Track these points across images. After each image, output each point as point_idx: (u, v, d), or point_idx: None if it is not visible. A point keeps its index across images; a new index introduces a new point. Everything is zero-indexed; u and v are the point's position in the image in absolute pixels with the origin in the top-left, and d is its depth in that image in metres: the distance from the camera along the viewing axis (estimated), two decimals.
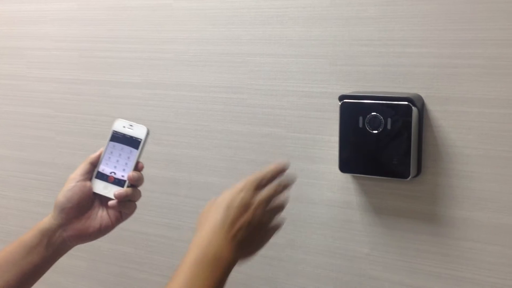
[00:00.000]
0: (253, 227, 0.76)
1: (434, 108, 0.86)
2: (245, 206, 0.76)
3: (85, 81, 1.17)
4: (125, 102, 1.13)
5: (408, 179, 0.85)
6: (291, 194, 0.98)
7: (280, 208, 0.81)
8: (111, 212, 0.85)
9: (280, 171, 0.81)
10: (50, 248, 0.82)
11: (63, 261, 0.91)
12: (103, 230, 0.85)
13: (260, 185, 0.79)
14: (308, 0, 0.92)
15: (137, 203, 0.88)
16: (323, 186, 0.96)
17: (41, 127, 1.25)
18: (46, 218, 0.84)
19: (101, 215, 0.85)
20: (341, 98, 0.88)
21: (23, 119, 1.27)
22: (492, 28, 0.81)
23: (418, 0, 0.85)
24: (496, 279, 0.86)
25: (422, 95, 0.86)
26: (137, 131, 0.85)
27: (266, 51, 0.97)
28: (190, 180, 1.09)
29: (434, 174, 0.87)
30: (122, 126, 0.85)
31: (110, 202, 0.83)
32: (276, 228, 0.81)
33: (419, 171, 0.87)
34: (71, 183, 0.83)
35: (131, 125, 0.85)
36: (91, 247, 1.23)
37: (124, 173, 0.84)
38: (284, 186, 0.81)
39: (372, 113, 0.86)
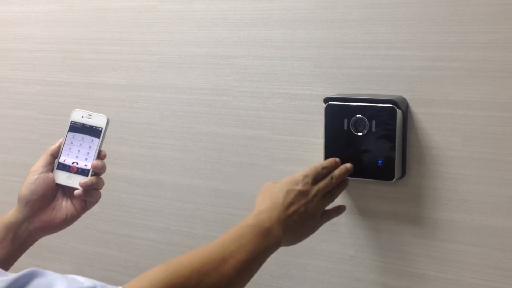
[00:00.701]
0: (307, 214, 0.80)
1: (418, 111, 0.86)
2: (305, 193, 0.79)
3: (69, 83, 1.16)
4: (109, 104, 1.12)
5: (393, 181, 0.86)
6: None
7: (330, 200, 0.84)
8: (76, 201, 0.85)
9: (334, 166, 0.85)
10: (16, 241, 0.82)
11: (47, 265, 0.90)
12: (69, 220, 0.85)
13: (319, 176, 0.82)
14: (293, 3, 0.93)
15: (122, 206, 0.87)
16: None
17: (25, 129, 1.24)
18: (10, 212, 0.83)
19: (66, 206, 0.85)
20: (326, 100, 0.88)
21: (6, 121, 1.26)
22: (475, 31, 0.81)
23: (402, 3, 0.85)
24: (480, 280, 0.86)
25: (406, 97, 0.86)
26: (97, 120, 0.85)
27: (251, 53, 0.97)
28: (175, 183, 1.08)
29: (418, 176, 0.88)
30: (80, 116, 0.86)
31: (76, 192, 0.83)
32: (324, 220, 0.84)
33: (403, 173, 0.88)
34: (33, 176, 0.83)
35: (89, 115, 0.86)
36: (75, 251, 1.22)
37: (87, 162, 0.84)
38: (337, 179, 0.84)
39: (357, 115, 0.86)
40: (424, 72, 0.85)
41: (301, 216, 0.79)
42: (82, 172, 0.84)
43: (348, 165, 0.85)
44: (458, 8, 0.82)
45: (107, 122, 0.85)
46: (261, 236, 0.74)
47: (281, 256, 1.00)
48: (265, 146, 0.99)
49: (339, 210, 0.87)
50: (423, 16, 0.84)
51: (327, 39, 0.91)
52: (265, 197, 0.80)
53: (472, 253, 0.86)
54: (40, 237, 0.85)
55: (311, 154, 0.95)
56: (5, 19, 1.21)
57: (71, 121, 0.86)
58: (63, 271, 1.28)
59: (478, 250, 0.86)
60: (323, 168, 0.83)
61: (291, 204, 0.78)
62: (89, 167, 0.84)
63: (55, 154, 0.85)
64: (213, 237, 1.04)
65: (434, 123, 0.85)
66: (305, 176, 0.81)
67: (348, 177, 0.89)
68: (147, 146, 1.10)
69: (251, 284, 1.03)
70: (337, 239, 0.95)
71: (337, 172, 0.84)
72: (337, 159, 0.86)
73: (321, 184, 0.82)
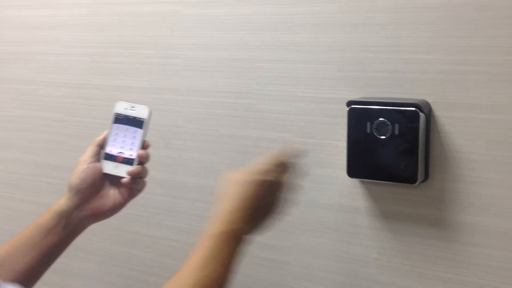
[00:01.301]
0: (266, 201, 0.79)
1: (441, 114, 0.86)
2: (261, 183, 0.78)
3: (95, 85, 1.19)
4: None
5: (416, 184, 0.86)
6: (299, 198, 0.99)
7: (289, 184, 0.83)
8: (122, 190, 0.88)
9: (289, 154, 0.85)
10: (68, 228, 0.85)
11: (73, 264, 0.92)
12: (116, 208, 0.88)
13: (276, 164, 0.82)
14: (316, 7, 0.93)
15: (147, 206, 0.89)
16: (331, 191, 0.97)
17: (52, 131, 1.26)
18: (62, 201, 0.87)
19: (113, 194, 0.88)
20: (349, 103, 0.89)
21: (34, 123, 1.28)
22: (499, 35, 0.81)
23: (425, 7, 0.85)
24: (502, 284, 0.86)
25: (429, 101, 0.87)
26: (140, 111, 0.88)
27: (275, 57, 0.98)
28: (199, 184, 1.10)
29: (441, 180, 0.88)
30: (123, 108, 0.88)
31: (124, 180, 0.86)
32: (283, 202, 0.83)
33: (426, 176, 0.88)
34: (83, 165, 0.87)
35: (132, 107, 0.88)
36: (101, 250, 1.24)
37: (132, 152, 0.87)
38: (291, 164, 0.83)
39: (380, 119, 0.86)
40: (447, 75, 0.85)
41: (261, 203, 0.78)
42: (128, 161, 0.87)
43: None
44: (482, 12, 0.82)
45: (150, 113, 0.88)
46: (232, 239, 0.74)
47: (303, 258, 1.01)
48: None
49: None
50: (447, 20, 0.84)
51: (350, 43, 0.92)
52: (227, 193, 0.78)
53: (495, 256, 0.86)
54: (89, 224, 0.89)
55: (333, 157, 0.95)
56: (34, 23, 1.24)
57: (115, 113, 0.88)
58: (89, 270, 1.31)
59: (501, 253, 0.86)
60: (280, 154, 0.83)
61: (250, 197, 0.77)
62: (134, 156, 0.87)
63: (101, 145, 0.88)
64: None
65: (457, 127, 0.86)
66: (262, 164, 0.80)
67: (372, 180, 0.90)
68: (172, 148, 1.12)
69: (274, 284, 1.05)
70: (360, 242, 0.96)
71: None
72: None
73: (278, 170, 0.81)
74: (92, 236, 1.22)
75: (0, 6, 1.28)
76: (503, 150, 0.83)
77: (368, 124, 0.88)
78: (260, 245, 1.05)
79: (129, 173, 0.86)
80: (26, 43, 1.25)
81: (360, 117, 0.88)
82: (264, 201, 0.78)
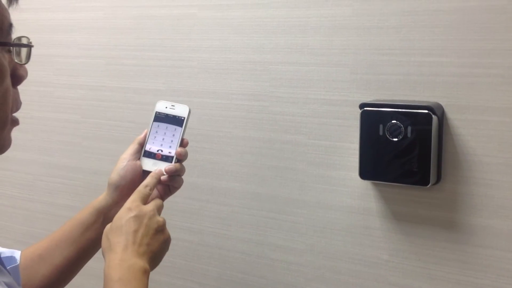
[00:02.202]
0: (152, 234, 0.80)
1: (454, 117, 0.87)
2: (140, 215, 0.80)
3: (111, 88, 1.20)
4: (149, 108, 1.14)
5: (428, 186, 0.86)
6: (312, 200, 1.00)
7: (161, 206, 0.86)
8: (160, 187, 0.89)
9: (156, 181, 0.86)
10: (107, 224, 0.87)
11: (87, 264, 0.93)
12: None
13: (145, 197, 0.83)
14: (330, 10, 0.94)
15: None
16: (343, 193, 0.97)
17: (68, 132, 1.28)
18: (101, 197, 0.89)
19: None
20: (362, 106, 0.90)
21: (50, 125, 1.30)
22: None
23: (439, 10, 0.86)
24: None
25: (442, 103, 0.87)
26: (179, 110, 0.90)
27: (288, 59, 0.99)
28: (212, 186, 1.11)
29: (453, 182, 0.88)
30: (164, 107, 0.90)
31: (162, 177, 0.88)
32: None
33: (438, 178, 0.88)
34: (123, 163, 0.89)
35: (173, 105, 0.90)
36: None
37: (171, 150, 0.89)
38: (152, 187, 0.85)
39: (393, 121, 0.87)
40: (460, 78, 0.86)
41: (150, 238, 0.79)
42: (167, 159, 0.89)
43: (161, 169, 0.87)
44: (495, 15, 0.83)
45: (189, 112, 0.90)
46: (140, 281, 0.74)
47: (315, 259, 1.02)
48: (300, 151, 1.00)
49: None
50: (460, 23, 0.85)
51: (363, 45, 0.92)
52: (113, 243, 0.78)
53: (507, 259, 0.86)
54: None
55: (346, 159, 0.96)
56: (51, 26, 1.26)
57: (156, 112, 0.90)
58: (101, 270, 1.32)
59: None
60: (146, 186, 0.84)
61: (136, 232, 0.78)
62: (172, 154, 0.89)
63: (142, 143, 0.90)
64: (248, 239, 1.07)
65: (470, 129, 0.86)
66: (133, 201, 0.81)
67: (384, 182, 0.90)
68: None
69: (286, 285, 1.05)
70: (371, 243, 0.96)
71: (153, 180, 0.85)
72: (158, 172, 0.87)
73: (151, 202, 0.83)
74: None
75: (18, 9, 1.30)
76: None
77: (381, 126, 0.88)
78: (272, 246, 1.06)
79: (167, 171, 0.88)
80: (43, 46, 1.27)
81: (373, 120, 0.89)
82: (138, 222, 0.79)
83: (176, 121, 0.90)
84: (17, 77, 0.67)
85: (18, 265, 0.86)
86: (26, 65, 0.69)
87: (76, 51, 1.24)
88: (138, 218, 0.80)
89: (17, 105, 0.69)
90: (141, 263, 0.76)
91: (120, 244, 0.77)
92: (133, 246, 0.77)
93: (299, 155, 1.01)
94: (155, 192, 0.91)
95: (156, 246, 0.80)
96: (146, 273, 0.76)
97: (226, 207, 1.10)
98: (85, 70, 1.23)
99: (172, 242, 1.19)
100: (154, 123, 0.90)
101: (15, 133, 0.70)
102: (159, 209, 0.84)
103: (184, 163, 0.91)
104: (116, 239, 0.78)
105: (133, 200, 0.82)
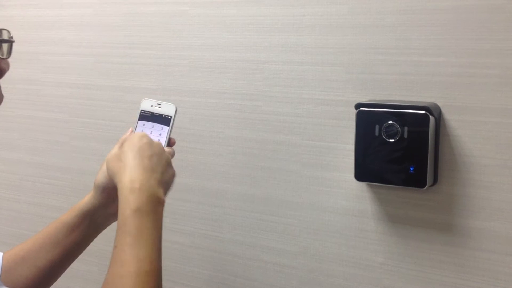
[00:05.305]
0: (165, 164, 0.79)
1: (451, 118, 0.85)
2: (152, 148, 0.78)
3: (100, 86, 1.18)
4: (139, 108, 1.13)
5: (424, 188, 0.85)
6: (305, 201, 0.98)
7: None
8: None
9: None
10: (92, 226, 0.86)
11: (74, 266, 0.91)
12: None
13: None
14: (325, 8, 0.93)
15: None
16: (337, 194, 0.96)
17: (56, 131, 1.25)
18: (86, 199, 0.87)
19: None
20: (358, 106, 0.88)
21: (37, 124, 1.28)
22: (510, 38, 0.80)
23: (436, 9, 0.85)
24: None
25: (439, 104, 0.86)
26: (166, 109, 0.88)
27: (282, 58, 0.97)
28: (204, 187, 1.09)
29: (450, 184, 0.87)
30: (150, 105, 0.88)
31: None
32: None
33: (435, 180, 0.87)
34: None
35: (159, 104, 0.88)
36: (103, 252, 1.23)
37: None
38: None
39: (389, 122, 0.85)
40: (457, 78, 0.84)
41: (165, 167, 0.78)
42: None
43: None
44: (493, 14, 0.81)
45: (176, 111, 0.88)
46: (158, 210, 0.72)
47: (309, 262, 1.00)
48: (294, 152, 0.99)
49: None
50: (457, 22, 0.83)
51: (358, 44, 0.91)
52: (125, 162, 0.76)
53: (505, 262, 0.85)
54: (113, 222, 0.88)
55: (341, 160, 0.94)
56: (38, 22, 1.23)
57: (141, 110, 0.88)
58: (90, 273, 1.30)
59: (510, 259, 0.84)
60: None
61: (151, 157, 0.76)
62: None
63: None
64: (240, 241, 1.05)
65: (467, 131, 0.85)
66: (140, 131, 0.83)
67: (380, 184, 0.89)
68: (176, 149, 1.10)
69: None
70: (366, 246, 0.95)
71: None
72: None
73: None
74: (94, 239, 1.21)
75: (5, 5, 1.27)
76: None
77: (377, 127, 0.87)
78: (265, 248, 1.04)
79: None
80: (30, 43, 1.25)
81: (369, 120, 0.87)
82: (153, 149, 0.78)
83: (163, 120, 0.88)
84: None
85: None
86: (14, 63, 0.67)
87: (64, 48, 1.21)
88: (152, 146, 0.78)
89: None
90: (159, 192, 0.74)
91: (138, 167, 0.74)
92: (152, 171, 0.75)
93: (293, 156, 0.99)
94: None
95: (168, 176, 0.79)
96: (161, 204, 0.74)
97: (217, 208, 1.08)
98: (73, 68, 1.21)
99: (163, 244, 1.17)
100: (140, 121, 0.88)
101: (1, 132, 0.68)
102: None
103: (174, 164, 0.89)
104: (132, 161, 0.75)
105: (138, 131, 0.83)
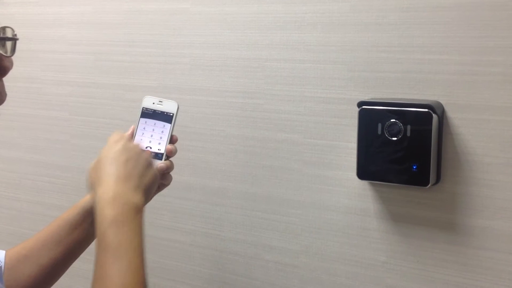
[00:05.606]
0: (143, 165, 0.77)
1: (454, 116, 0.85)
2: (127, 151, 0.77)
3: (100, 84, 1.17)
4: (139, 106, 1.12)
5: (427, 187, 0.84)
6: (307, 200, 0.98)
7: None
8: None
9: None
10: (95, 224, 0.84)
11: (75, 265, 0.91)
12: None
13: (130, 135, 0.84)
14: (327, 6, 0.92)
15: (151, 207, 0.89)
16: (340, 193, 0.95)
17: (56, 130, 1.25)
18: (88, 196, 0.86)
19: None
20: (360, 104, 0.88)
21: (37, 122, 1.27)
22: None
23: (439, 7, 0.84)
24: None
25: (442, 102, 0.85)
26: (168, 106, 0.88)
27: (284, 56, 0.97)
28: (205, 185, 1.08)
29: (453, 182, 0.86)
30: (151, 102, 0.88)
31: None
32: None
33: (438, 179, 0.86)
34: None
35: (160, 101, 0.88)
36: None
37: (161, 147, 0.87)
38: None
39: (392, 120, 0.85)
40: (461, 76, 0.84)
41: (141, 171, 0.77)
42: (156, 156, 0.87)
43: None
44: (497, 12, 0.81)
45: (178, 108, 0.88)
46: (136, 217, 0.71)
47: (311, 261, 0.99)
48: (296, 150, 0.98)
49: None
50: (461, 20, 0.83)
51: (361, 42, 0.90)
52: (102, 176, 0.74)
53: (508, 261, 0.84)
54: None
55: (343, 158, 0.94)
56: (38, 20, 1.23)
57: (143, 107, 0.88)
58: (90, 272, 1.29)
59: None
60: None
61: (126, 162, 0.75)
62: (162, 151, 0.87)
63: (130, 140, 0.87)
64: (241, 240, 1.05)
65: (470, 129, 0.84)
66: (116, 134, 0.81)
67: (382, 182, 0.89)
68: (177, 148, 1.10)
69: (281, 287, 1.03)
70: (368, 245, 0.94)
71: None
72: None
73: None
74: (93, 238, 1.20)
75: (5, 3, 1.26)
76: None
77: (379, 125, 0.86)
78: (266, 247, 1.03)
79: (159, 169, 0.85)
80: (30, 41, 1.24)
81: (371, 118, 0.87)
82: (128, 153, 0.76)
83: (165, 117, 0.88)
84: (2, 68, 0.64)
85: (1, 267, 0.83)
86: (14, 61, 0.66)
87: (64, 46, 1.20)
88: (126, 149, 0.77)
89: (1, 97, 0.66)
90: (136, 198, 0.72)
91: (112, 176, 0.73)
92: (126, 178, 0.73)
93: (295, 155, 0.98)
94: None
95: (148, 179, 0.77)
96: (140, 210, 0.72)
97: (219, 207, 1.08)
98: (73, 66, 1.20)
99: (163, 243, 1.17)
100: (142, 119, 0.88)
101: (1, 130, 0.67)
102: None
103: (175, 163, 0.89)
104: (106, 171, 0.74)
105: (115, 133, 0.81)
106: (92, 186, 0.75)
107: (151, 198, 0.80)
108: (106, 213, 0.69)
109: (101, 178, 0.74)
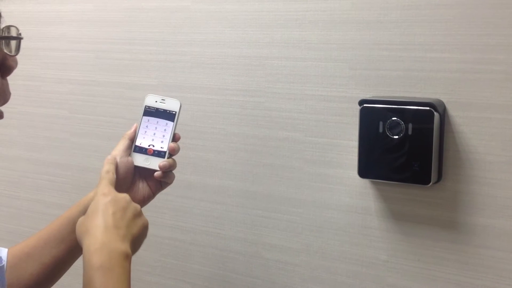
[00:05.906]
0: (131, 216, 0.76)
1: (456, 114, 0.85)
2: (116, 203, 0.76)
3: (100, 82, 1.17)
4: (140, 104, 1.11)
5: (429, 185, 0.84)
6: (308, 198, 0.97)
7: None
8: (151, 183, 0.88)
9: (114, 161, 0.85)
10: None
11: (76, 264, 0.91)
12: (146, 200, 0.89)
13: (113, 183, 0.81)
14: (328, 3, 0.92)
15: (152, 206, 0.89)
16: (341, 191, 0.95)
17: (56, 128, 1.24)
18: (91, 194, 0.86)
19: (142, 187, 0.89)
20: (361, 102, 0.87)
21: (38, 120, 1.27)
22: None
23: (440, 5, 0.84)
24: None
25: (444, 100, 0.85)
26: (170, 104, 0.89)
27: (285, 54, 0.97)
28: (205, 184, 1.08)
29: (455, 181, 0.86)
30: (154, 100, 0.89)
31: (156, 173, 0.87)
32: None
33: (439, 177, 0.86)
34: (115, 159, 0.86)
35: (163, 99, 0.89)
36: None
37: (163, 145, 0.87)
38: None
39: (393, 118, 0.85)
40: (462, 75, 0.84)
41: (130, 221, 0.76)
42: (159, 154, 0.87)
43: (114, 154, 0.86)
44: (499, 10, 0.80)
45: (180, 106, 0.89)
46: (123, 266, 0.70)
47: (312, 259, 0.99)
48: (297, 148, 0.98)
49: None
50: (462, 18, 0.83)
51: (362, 40, 0.90)
52: (90, 228, 0.74)
53: (509, 259, 0.84)
54: None
55: (344, 156, 0.94)
56: (38, 18, 1.22)
57: (146, 106, 0.89)
58: None
59: None
60: (107, 172, 0.82)
61: (114, 214, 0.75)
62: (165, 149, 0.87)
63: (132, 138, 0.88)
64: (242, 238, 1.05)
65: (472, 127, 0.84)
66: (105, 186, 0.79)
67: (383, 180, 0.88)
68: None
69: (282, 285, 1.03)
70: (370, 243, 0.94)
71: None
72: (110, 157, 0.85)
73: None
74: None
75: (5, 0, 1.26)
76: None
77: (381, 123, 0.86)
78: (267, 246, 1.03)
79: (161, 167, 0.86)
80: (31, 39, 1.24)
81: (373, 116, 0.86)
82: (116, 206, 0.76)
83: (167, 115, 0.88)
84: (6, 68, 0.64)
85: (3, 265, 0.83)
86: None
87: (65, 44, 1.20)
88: (115, 201, 0.76)
89: (5, 96, 0.66)
90: (123, 247, 0.72)
91: (99, 227, 0.73)
92: (113, 229, 0.73)
93: (296, 153, 0.98)
94: (146, 189, 0.89)
95: (136, 229, 0.77)
96: (128, 258, 0.72)
97: (219, 205, 1.08)
98: (74, 64, 1.20)
99: (164, 241, 1.17)
100: (144, 117, 0.89)
101: (1, 128, 0.67)
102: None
103: (177, 161, 0.89)
104: (94, 223, 0.74)
105: (104, 185, 0.79)
106: (80, 238, 0.75)
107: (138, 249, 0.78)
108: (93, 261, 0.69)
109: (88, 230, 0.73)
